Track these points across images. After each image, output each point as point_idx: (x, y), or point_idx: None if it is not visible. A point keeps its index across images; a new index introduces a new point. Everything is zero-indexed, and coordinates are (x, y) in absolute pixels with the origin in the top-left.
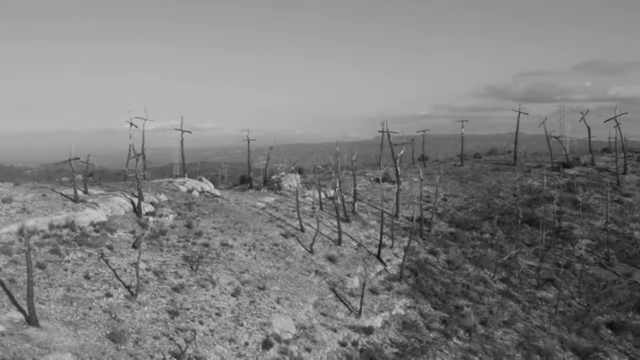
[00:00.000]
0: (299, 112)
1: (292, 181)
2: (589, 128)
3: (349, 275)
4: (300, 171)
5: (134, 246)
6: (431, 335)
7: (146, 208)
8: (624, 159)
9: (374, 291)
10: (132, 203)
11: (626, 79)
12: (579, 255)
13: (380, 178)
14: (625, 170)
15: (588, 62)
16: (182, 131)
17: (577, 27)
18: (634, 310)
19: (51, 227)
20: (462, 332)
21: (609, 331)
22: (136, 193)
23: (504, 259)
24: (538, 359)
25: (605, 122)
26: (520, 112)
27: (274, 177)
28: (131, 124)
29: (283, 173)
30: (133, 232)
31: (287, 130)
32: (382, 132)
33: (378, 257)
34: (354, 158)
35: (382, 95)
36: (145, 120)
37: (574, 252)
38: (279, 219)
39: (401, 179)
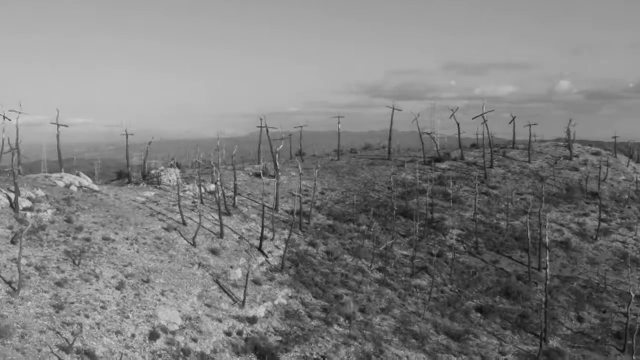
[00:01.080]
0: (170, 108)
1: (172, 176)
2: (458, 124)
3: (231, 267)
4: (178, 166)
5: (12, 242)
6: (313, 323)
7: (23, 203)
8: (490, 154)
9: (256, 282)
10: (8, 198)
11: (490, 79)
12: (450, 244)
13: (260, 172)
14: (492, 164)
15: (455, 62)
16: (58, 125)
17: (442, 27)
18: (500, 295)
19: None
20: (342, 319)
21: (479, 314)
22: (12, 188)
23: (380, 249)
24: (414, 342)
25: (473, 118)
26: (394, 109)
27: (153, 171)
28: (4, 117)
29: (162, 168)
30: (11, 227)
31: (158, 126)
32: (261, 127)
33: (260, 249)
34: (234, 152)
35: (254, 92)
36: (20, 113)
37: (445, 242)
38: (160, 213)
39: (280, 174)
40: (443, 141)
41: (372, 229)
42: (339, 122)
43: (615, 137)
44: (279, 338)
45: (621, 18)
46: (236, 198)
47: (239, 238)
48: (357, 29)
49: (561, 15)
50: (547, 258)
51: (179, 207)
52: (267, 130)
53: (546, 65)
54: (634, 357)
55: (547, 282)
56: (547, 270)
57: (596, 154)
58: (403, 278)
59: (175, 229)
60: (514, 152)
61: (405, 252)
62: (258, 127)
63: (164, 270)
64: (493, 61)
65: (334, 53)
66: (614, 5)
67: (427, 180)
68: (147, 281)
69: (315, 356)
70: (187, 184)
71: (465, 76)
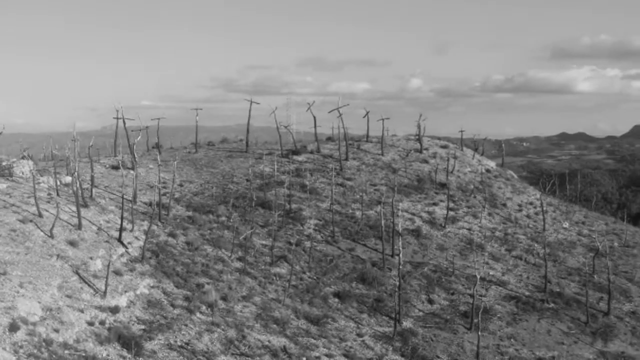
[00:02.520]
0: (18, 100)
1: (25, 168)
2: (315, 118)
3: (91, 258)
4: (31, 158)
5: None
6: (175, 311)
7: None
8: (345, 147)
9: (117, 273)
10: None
11: (345, 76)
12: (308, 234)
13: (119, 164)
14: (347, 157)
15: (310, 58)
16: None
17: (298, 24)
18: (356, 281)
19: None
20: (204, 307)
21: (336, 300)
22: None
23: (240, 239)
24: (275, 327)
25: (329, 112)
26: (252, 102)
27: (4, 163)
28: None
29: (14, 160)
30: None
31: (8, 119)
32: (117, 118)
33: (119, 240)
34: (90, 143)
35: (104, 86)
36: None
37: (303, 231)
38: (13, 205)
39: (138, 166)
40: (299, 135)
41: (231, 220)
42: (197, 115)
43: (462, 131)
44: (143, 327)
45: (473, 20)
46: (93, 190)
47: (98, 230)
48: (209, 24)
49: (416, 16)
50: (400, 245)
51: (35, 199)
52: (125, 122)
53: (400, 63)
54: (479, 333)
55: (400, 268)
56: (400, 257)
57: (444, 147)
58: (263, 267)
59: (31, 221)
60: (368, 146)
61: (264, 242)
62: (114, 118)
63: (21, 262)
64: (349, 58)
65: (188, 48)
66: (466, 7)
67: (285, 173)
68: (4, 273)
69: (179, 343)
70: (42, 176)
71: (321, 72)
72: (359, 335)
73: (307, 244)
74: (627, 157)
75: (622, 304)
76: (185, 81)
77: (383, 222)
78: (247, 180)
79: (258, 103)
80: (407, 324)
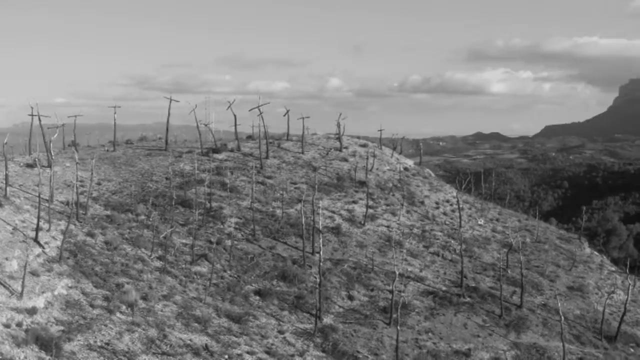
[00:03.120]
0: None
1: None
2: (235, 116)
3: (7, 259)
4: None
5: None
6: (95, 312)
7: None
8: (266, 145)
9: (34, 273)
10: None
11: (264, 75)
12: (228, 232)
13: (36, 161)
14: (268, 155)
15: (228, 56)
16: None
17: (215, 22)
18: (277, 279)
19: None
20: (124, 307)
21: (257, 297)
22: None
23: (160, 238)
24: (197, 326)
25: (250, 110)
26: (171, 100)
27: None
28: None
29: None
30: None
31: None
32: (32, 115)
33: (36, 240)
34: (5, 141)
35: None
36: None
37: (224, 230)
38: None
39: (54, 164)
40: (220, 134)
41: (151, 219)
42: (115, 113)
43: (380, 130)
44: (61, 328)
45: (391, 20)
46: (8, 189)
47: (13, 230)
48: (124, 20)
49: (334, 16)
50: (320, 243)
51: None
52: (40, 120)
53: (319, 63)
54: (398, 328)
55: (321, 265)
56: (321, 254)
57: (364, 146)
58: (183, 266)
59: None
60: (289, 144)
61: (185, 241)
62: (29, 115)
63: None
64: (267, 57)
65: (101, 44)
66: (383, 7)
67: (205, 171)
68: None
69: (99, 343)
70: None
71: (239, 71)
72: (280, 332)
73: (228, 242)
74: (539, 157)
75: (534, 297)
76: (99, 79)
77: (303, 220)
78: (167, 178)
79: (177, 101)
80: (327, 320)
